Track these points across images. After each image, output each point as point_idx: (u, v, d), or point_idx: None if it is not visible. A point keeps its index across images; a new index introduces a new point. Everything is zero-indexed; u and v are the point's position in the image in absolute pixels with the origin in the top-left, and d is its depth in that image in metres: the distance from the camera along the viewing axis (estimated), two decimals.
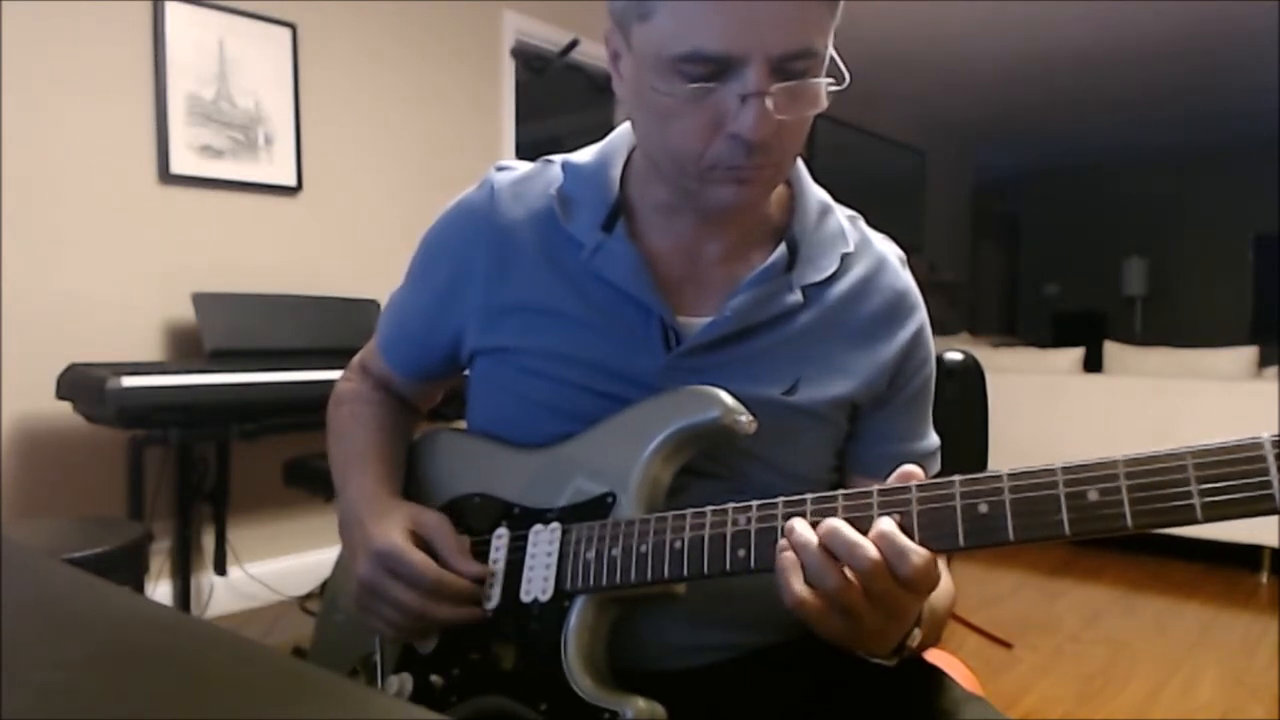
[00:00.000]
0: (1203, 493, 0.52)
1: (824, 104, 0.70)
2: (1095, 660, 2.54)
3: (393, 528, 0.77)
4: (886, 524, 0.60)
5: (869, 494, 0.63)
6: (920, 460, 0.86)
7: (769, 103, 0.67)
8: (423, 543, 0.77)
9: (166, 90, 2.67)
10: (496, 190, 0.85)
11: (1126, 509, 0.54)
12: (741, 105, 0.67)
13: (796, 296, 0.80)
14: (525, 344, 0.81)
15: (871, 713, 0.76)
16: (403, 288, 0.93)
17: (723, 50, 0.66)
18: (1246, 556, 3.42)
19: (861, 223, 0.89)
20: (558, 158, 0.87)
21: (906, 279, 0.87)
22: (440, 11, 3.43)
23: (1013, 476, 0.59)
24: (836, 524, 0.61)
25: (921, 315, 0.86)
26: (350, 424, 0.92)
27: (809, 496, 0.66)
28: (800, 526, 0.62)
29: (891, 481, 0.63)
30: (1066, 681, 2.38)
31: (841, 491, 0.65)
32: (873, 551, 0.59)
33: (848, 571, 0.60)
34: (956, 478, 0.61)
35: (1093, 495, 0.56)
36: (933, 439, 0.89)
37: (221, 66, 2.80)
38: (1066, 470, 0.57)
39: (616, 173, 0.83)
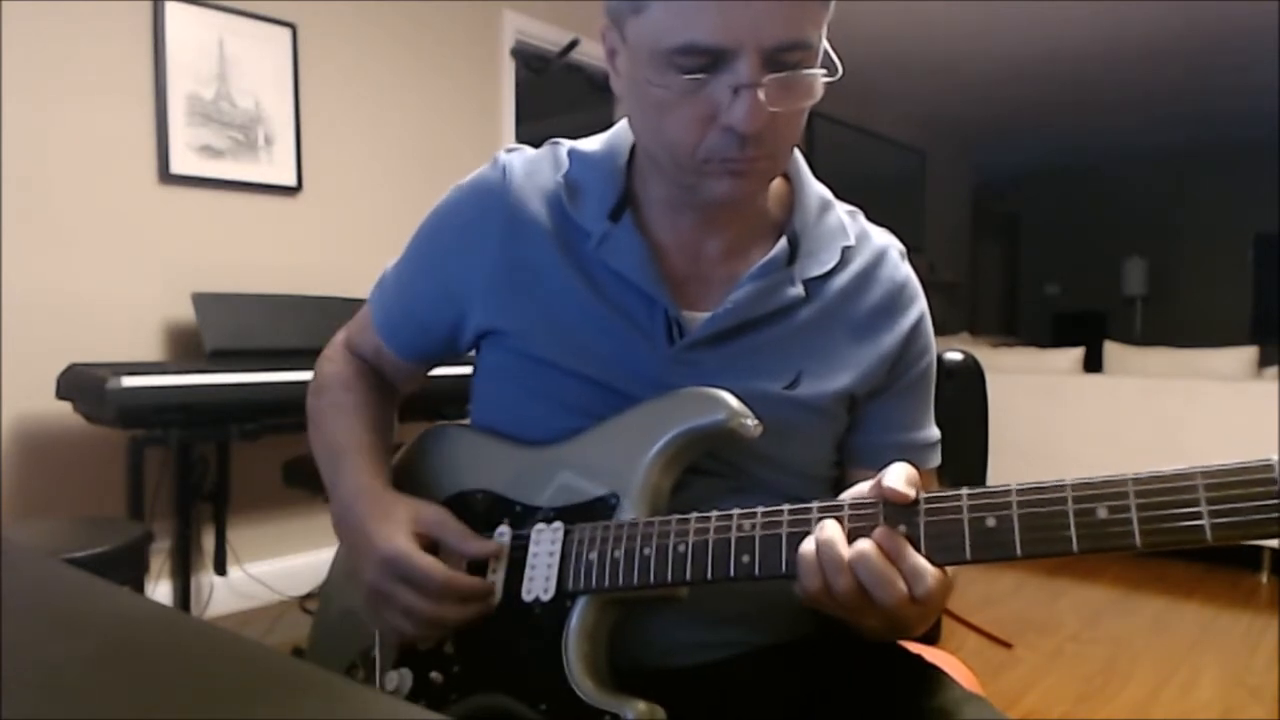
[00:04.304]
0: (1213, 514, 0.52)
1: (818, 95, 0.71)
2: (1095, 660, 2.53)
3: (396, 530, 0.76)
4: (914, 556, 0.61)
5: (875, 505, 0.63)
6: (920, 451, 0.86)
7: (761, 94, 0.67)
8: (428, 542, 0.77)
9: (166, 90, 2.67)
10: (509, 170, 0.85)
11: (1135, 528, 0.54)
12: (734, 97, 0.68)
13: (798, 290, 0.80)
14: (530, 327, 0.81)
15: (872, 712, 0.76)
16: (404, 265, 0.91)
17: (716, 42, 0.66)
18: (1246, 556, 3.42)
19: (861, 217, 0.89)
20: (565, 143, 0.87)
21: (906, 270, 0.87)
22: (440, 11, 3.42)
23: (1021, 491, 0.58)
24: (869, 553, 0.61)
25: (921, 305, 0.86)
26: (331, 415, 0.90)
27: (814, 505, 0.66)
28: (837, 540, 0.62)
29: (888, 479, 0.63)
30: (1066, 681, 2.38)
31: (849, 500, 0.65)
32: (901, 586, 0.60)
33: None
34: (964, 491, 0.61)
35: (1102, 513, 0.55)
36: (933, 431, 0.89)
37: (221, 66, 2.80)
38: (1076, 487, 0.57)
39: (623, 163, 0.83)
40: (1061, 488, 0.57)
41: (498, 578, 0.76)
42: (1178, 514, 0.53)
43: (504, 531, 0.78)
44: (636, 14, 0.69)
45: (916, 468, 0.65)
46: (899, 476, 0.63)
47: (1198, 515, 0.53)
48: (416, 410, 1.03)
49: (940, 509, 0.61)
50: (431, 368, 0.98)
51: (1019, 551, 0.57)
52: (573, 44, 2.92)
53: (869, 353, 0.82)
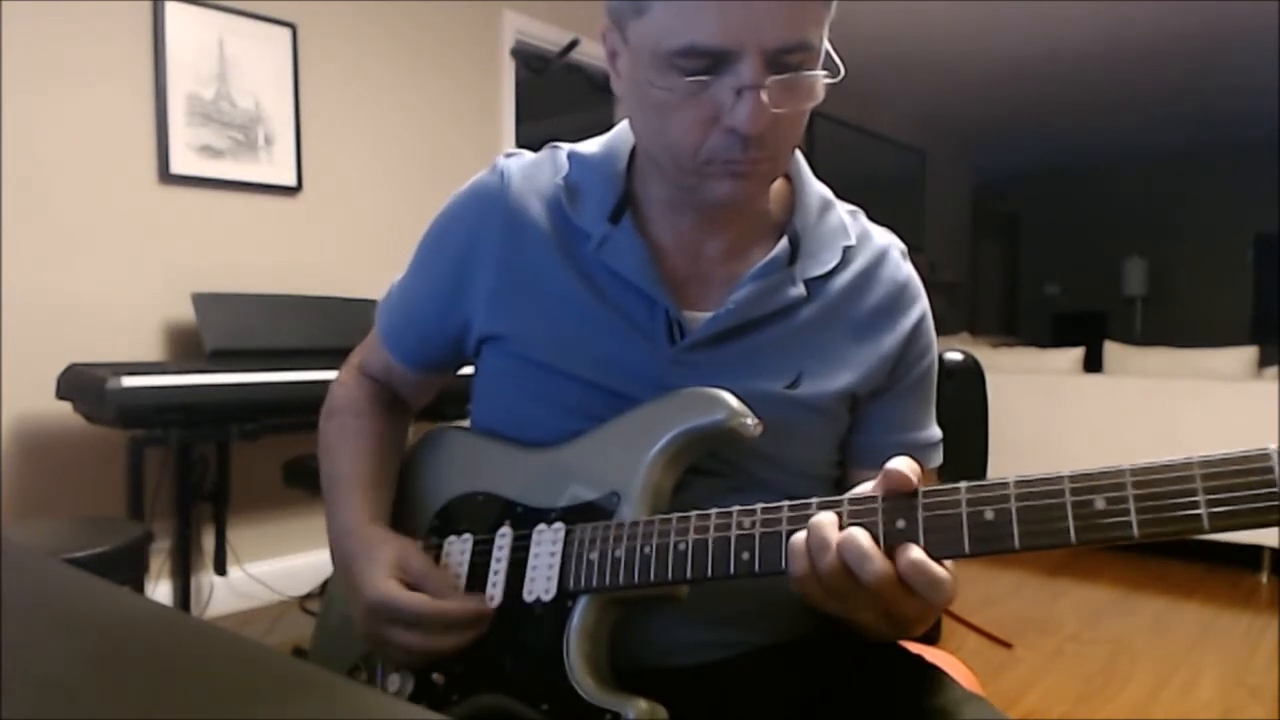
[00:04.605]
0: (1210, 503, 0.52)
1: (820, 97, 0.71)
2: (1095, 660, 2.53)
3: (378, 573, 0.76)
4: (916, 553, 0.60)
5: (874, 499, 0.63)
6: (923, 450, 0.86)
7: (764, 96, 0.67)
8: (412, 585, 0.77)
9: (166, 90, 2.67)
10: (508, 174, 0.85)
11: (1133, 518, 0.54)
12: (737, 99, 0.67)
13: (799, 290, 0.80)
14: (531, 331, 0.81)
15: (872, 712, 0.76)
16: (408, 275, 0.92)
17: (718, 44, 0.66)
18: (1246, 556, 3.42)
19: (862, 217, 0.89)
20: (564, 146, 0.87)
21: (908, 270, 0.87)
22: (440, 11, 3.43)
23: (1019, 484, 0.58)
24: (858, 535, 0.61)
25: (923, 305, 0.86)
26: (337, 441, 0.90)
27: (814, 501, 0.65)
28: (827, 522, 0.62)
29: (891, 467, 0.63)
30: (1066, 681, 2.38)
31: (848, 496, 0.65)
32: (879, 565, 0.60)
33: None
34: (963, 484, 0.61)
35: (1099, 504, 0.55)
36: (935, 430, 0.89)
37: (221, 66, 2.80)
38: (1073, 478, 0.57)
39: (623, 165, 0.83)
40: (1059, 479, 0.57)
41: (499, 579, 0.76)
42: (1175, 504, 0.53)
43: (505, 532, 0.78)
44: (638, 15, 0.69)
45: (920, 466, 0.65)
46: (903, 461, 0.63)
47: (1195, 505, 0.53)
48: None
49: (939, 503, 0.61)
50: (443, 377, 0.97)
51: (1017, 544, 0.57)
52: (573, 44, 2.92)
53: (870, 352, 0.82)
